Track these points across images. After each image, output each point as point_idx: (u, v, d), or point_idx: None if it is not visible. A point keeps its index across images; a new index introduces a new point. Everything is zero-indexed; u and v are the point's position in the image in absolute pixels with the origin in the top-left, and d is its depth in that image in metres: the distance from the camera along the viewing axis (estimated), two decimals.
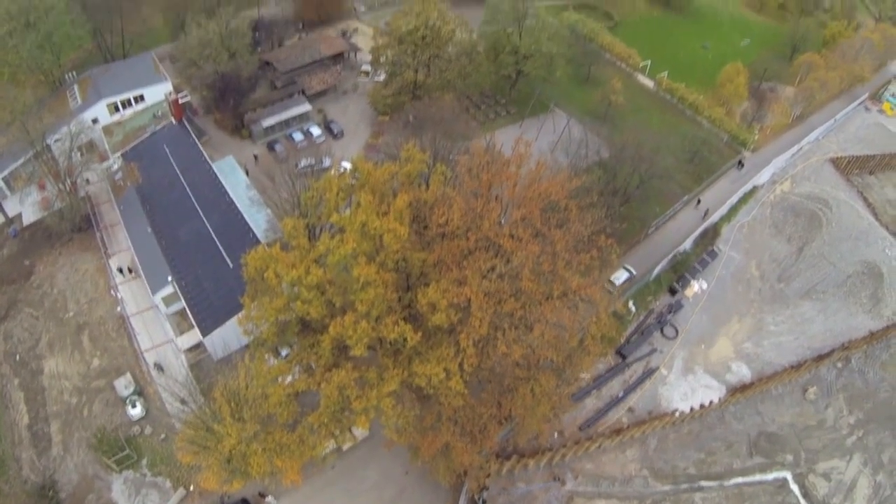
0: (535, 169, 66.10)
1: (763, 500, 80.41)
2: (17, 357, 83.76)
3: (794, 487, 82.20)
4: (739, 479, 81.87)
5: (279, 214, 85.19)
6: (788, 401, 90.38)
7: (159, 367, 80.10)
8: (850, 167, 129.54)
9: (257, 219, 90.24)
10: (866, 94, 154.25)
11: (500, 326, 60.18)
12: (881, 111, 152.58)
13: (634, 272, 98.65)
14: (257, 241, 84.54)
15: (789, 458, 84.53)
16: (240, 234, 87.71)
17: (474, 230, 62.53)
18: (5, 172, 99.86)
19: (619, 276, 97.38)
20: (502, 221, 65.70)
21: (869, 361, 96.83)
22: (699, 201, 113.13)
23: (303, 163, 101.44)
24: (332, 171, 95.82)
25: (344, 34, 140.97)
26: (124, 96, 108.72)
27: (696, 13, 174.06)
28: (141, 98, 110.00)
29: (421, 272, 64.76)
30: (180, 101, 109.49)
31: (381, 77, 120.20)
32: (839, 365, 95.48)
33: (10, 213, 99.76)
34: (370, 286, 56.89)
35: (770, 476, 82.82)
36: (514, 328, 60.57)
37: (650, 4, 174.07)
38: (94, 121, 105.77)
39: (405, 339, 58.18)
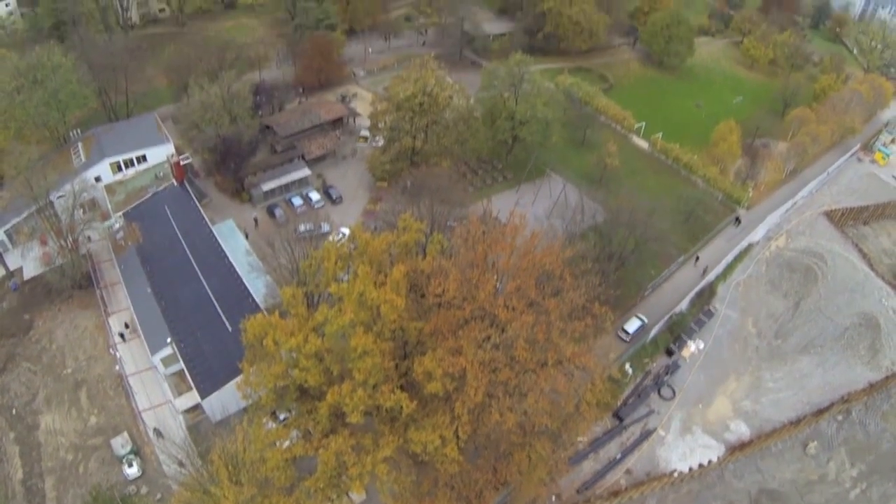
0: (530, 239, 68.15)
1: None
2: (14, 411, 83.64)
3: None
4: None
5: (278, 280, 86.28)
6: (789, 457, 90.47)
7: (158, 433, 80.00)
8: (845, 219, 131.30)
9: (256, 284, 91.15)
10: (858, 145, 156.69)
11: (494, 394, 61.58)
12: (873, 161, 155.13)
13: (646, 321, 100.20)
14: (256, 306, 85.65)
15: None
16: (239, 299, 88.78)
17: (470, 300, 64.25)
18: (8, 226, 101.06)
19: (632, 325, 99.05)
20: (498, 287, 67.41)
21: (870, 413, 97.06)
22: (697, 258, 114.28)
23: (302, 228, 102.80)
24: (331, 237, 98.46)
25: (343, 99, 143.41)
26: (127, 156, 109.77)
27: (688, 73, 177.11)
28: (143, 158, 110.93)
29: (418, 341, 66.47)
30: (182, 163, 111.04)
31: (380, 142, 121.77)
32: (839, 418, 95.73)
33: (12, 267, 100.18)
34: (367, 355, 58.74)
35: None
36: (508, 396, 61.95)
37: (644, 66, 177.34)
38: (97, 179, 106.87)
39: (401, 407, 59.78)
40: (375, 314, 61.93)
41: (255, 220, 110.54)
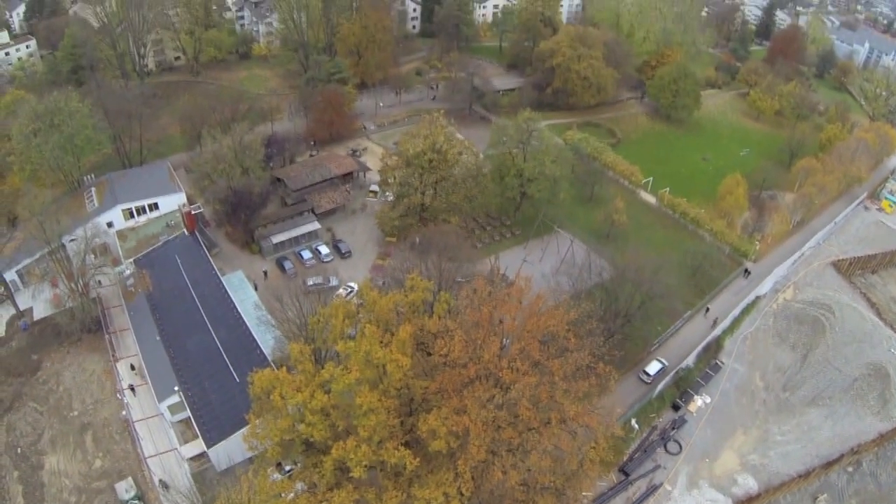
0: (535, 301, 69.59)
1: None
2: (19, 450, 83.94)
3: None
4: None
5: (286, 334, 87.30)
6: None
7: (164, 485, 79.92)
8: (853, 268, 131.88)
9: (265, 336, 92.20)
10: (865, 194, 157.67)
11: (497, 452, 62.63)
12: (880, 209, 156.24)
13: (666, 363, 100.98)
14: (264, 358, 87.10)
15: None
16: (247, 350, 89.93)
17: (475, 360, 65.40)
18: (20, 267, 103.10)
19: (653, 368, 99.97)
20: (505, 343, 68.79)
21: (881, 464, 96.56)
22: (708, 309, 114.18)
23: (311, 281, 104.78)
24: (340, 291, 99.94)
25: (354, 153, 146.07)
26: (139, 203, 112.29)
27: (696, 126, 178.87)
28: (155, 206, 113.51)
29: (423, 398, 67.68)
30: (193, 213, 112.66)
31: (389, 198, 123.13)
32: (850, 470, 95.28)
33: (22, 307, 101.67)
34: (372, 413, 60.24)
35: None
36: (511, 454, 63.00)
37: (652, 119, 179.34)
38: (109, 225, 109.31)
39: (405, 463, 60.89)
40: (381, 372, 63.45)
41: (265, 273, 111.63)
